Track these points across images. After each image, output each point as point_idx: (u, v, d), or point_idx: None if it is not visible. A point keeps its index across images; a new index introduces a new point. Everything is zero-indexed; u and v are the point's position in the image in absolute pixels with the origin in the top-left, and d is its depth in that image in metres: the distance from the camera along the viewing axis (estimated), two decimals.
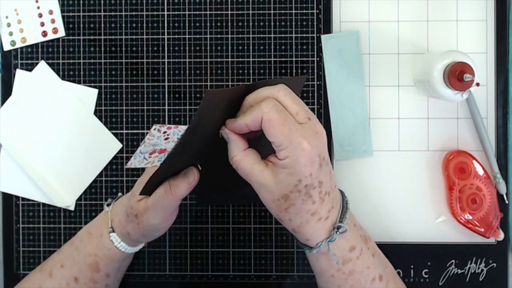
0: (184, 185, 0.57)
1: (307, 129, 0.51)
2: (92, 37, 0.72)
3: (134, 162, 0.60)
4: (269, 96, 0.52)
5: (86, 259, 0.63)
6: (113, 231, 0.63)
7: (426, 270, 0.71)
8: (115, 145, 0.72)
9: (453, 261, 0.71)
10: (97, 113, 0.72)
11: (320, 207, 0.53)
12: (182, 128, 0.59)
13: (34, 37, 0.72)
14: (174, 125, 0.59)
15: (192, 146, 0.56)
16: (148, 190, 0.59)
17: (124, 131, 0.72)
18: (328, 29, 0.72)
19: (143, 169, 0.70)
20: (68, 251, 0.64)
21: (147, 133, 0.72)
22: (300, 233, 0.54)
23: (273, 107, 0.51)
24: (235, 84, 0.72)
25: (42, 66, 0.72)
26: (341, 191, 0.57)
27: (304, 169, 0.51)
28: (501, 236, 0.70)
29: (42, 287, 0.63)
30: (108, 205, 0.65)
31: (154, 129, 0.58)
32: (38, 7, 0.72)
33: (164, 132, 0.59)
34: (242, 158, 0.53)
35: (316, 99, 0.72)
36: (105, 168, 0.72)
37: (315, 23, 0.72)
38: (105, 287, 0.64)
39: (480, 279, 0.71)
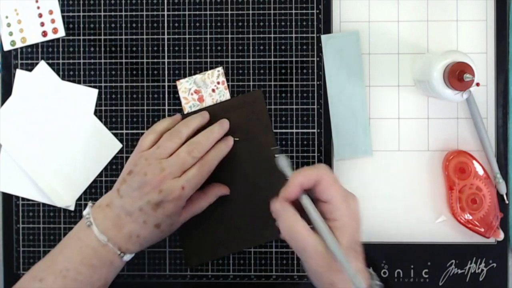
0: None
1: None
2: (92, 37, 0.72)
3: (185, 84, 0.65)
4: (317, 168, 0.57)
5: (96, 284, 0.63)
6: (123, 253, 0.63)
7: (426, 270, 0.71)
8: (115, 145, 0.72)
9: (453, 261, 0.71)
10: (97, 113, 0.72)
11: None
12: (225, 94, 0.70)
13: (34, 37, 0.72)
14: (226, 86, 0.68)
15: None
16: None
17: (124, 131, 0.72)
18: (328, 29, 0.72)
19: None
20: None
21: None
22: None
23: (328, 168, 0.56)
24: (235, 84, 0.72)
25: (42, 66, 0.72)
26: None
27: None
28: (501, 236, 0.70)
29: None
30: (88, 222, 0.63)
31: (218, 71, 0.65)
32: (38, 7, 0.72)
33: (218, 83, 0.65)
34: (303, 226, 0.55)
35: (316, 99, 0.72)
36: (105, 168, 0.72)
37: (315, 23, 0.72)
38: None
39: (480, 279, 0.71)
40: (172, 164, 0.63)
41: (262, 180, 0.70)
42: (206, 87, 0.69)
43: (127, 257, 0.64)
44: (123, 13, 0.72)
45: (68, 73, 0.73)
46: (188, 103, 0.71)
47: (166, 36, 0.72)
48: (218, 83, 0.70)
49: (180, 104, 0.72)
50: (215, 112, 0.70)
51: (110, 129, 0.72)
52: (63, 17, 0.73)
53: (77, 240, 0.63)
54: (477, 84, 0.61)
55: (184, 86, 0.70)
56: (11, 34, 0.72)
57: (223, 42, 0.72)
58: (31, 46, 0.72)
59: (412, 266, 0.71)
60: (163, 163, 0.63)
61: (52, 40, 0.72)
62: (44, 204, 0.72)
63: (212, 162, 0.66)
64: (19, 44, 0.72)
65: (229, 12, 0.72)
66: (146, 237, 0.63)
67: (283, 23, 0.72)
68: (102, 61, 0.72)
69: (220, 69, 0.71)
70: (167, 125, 0.67)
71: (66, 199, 0.72)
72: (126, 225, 0.62)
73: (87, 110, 0.72)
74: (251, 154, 0.70)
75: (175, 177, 0.63)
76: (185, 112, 0.71)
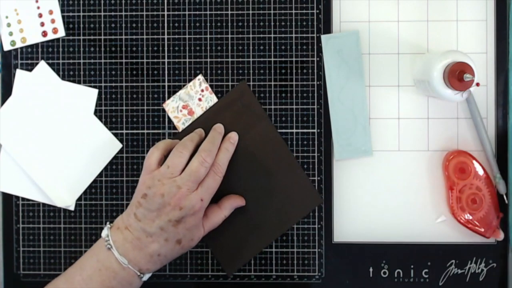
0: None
1: None
2: (92, 37, 0.72)
3: (171, 104, 0.66)
4: None
5: None
6: (142, 273, 0.63)
7: (426, 270, 0.71)
8: (115, 145, 0.72)
9: (453, 261, 0.71)
10: (97, 113, 0.72)
11: None
12: (213, 99, 0.70)
13: (34, 37, 0.72)
14: (210, 90, 0.68)
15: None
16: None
17: (124, 131, 0.72)
18: (328, 29, 0.72)
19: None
20: None
21: (147, 133, 0.72)
22: None
23: None
24: (235, 84, 0.72)
25: (42, 66, 0.72)
26: None
27: None
28: (501, 236, 0.70)
29: None
30: (108, 245, 0.63)
31: (198, 80, 0.65)
32: (38, 7, 0.72)
33: (202, 91, 0.65)
34: None
35: (316, 99, 0.72)
36: (105, 168, 0.72)
37: (315, 23, 0.72)
38: None
39: (480, 279, 0.71)
40: (186, 180, 0.63)
41: (271, 166, 0.70)
42: (192, 99, 0.70)
43: (146, 277, 0.64)
44: (123, 13, 0.72)
45: (68, 73, 0.73)
46: (180, 120, 0.71)
47: (166, 36, 0.72)
48: (202, 90, 0.70)
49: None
50: (209, 119, 0.70)
51: (110, 129, 0.72)
52: (63, 17, 0.73)
53: (96, 262, 0.63)
54: (477, 84, 0.61)
55: (171, 106, 0.71)
56: (11, 34, 0.72)
57: (223, 42, 0.72)
58: (31, 46, 0.72)
59: (412, 266, 0.71)
60: (178, 181, 0.62)
61: (52, 40, 0.73)
62: (44, 204, 0.72)
63: (223, 164, 0.66)
64: (19, 44, 0.72)
65: (229, 12, 0.72)
66: (167, 255, 0.64)
67: (283, 23, 0.72)
68: (102, 61, 0.72)
69: (200, 77, 0.71)
70: (169, 142, 0.67)
71: (66, 199, 0.72)
72: (148, 246, 0.62)
73: (87, 110, 0.72)
74: (253, 145, 0.70)
75: (192, 191, 0.63)
76: (179, 130, 0.71)
